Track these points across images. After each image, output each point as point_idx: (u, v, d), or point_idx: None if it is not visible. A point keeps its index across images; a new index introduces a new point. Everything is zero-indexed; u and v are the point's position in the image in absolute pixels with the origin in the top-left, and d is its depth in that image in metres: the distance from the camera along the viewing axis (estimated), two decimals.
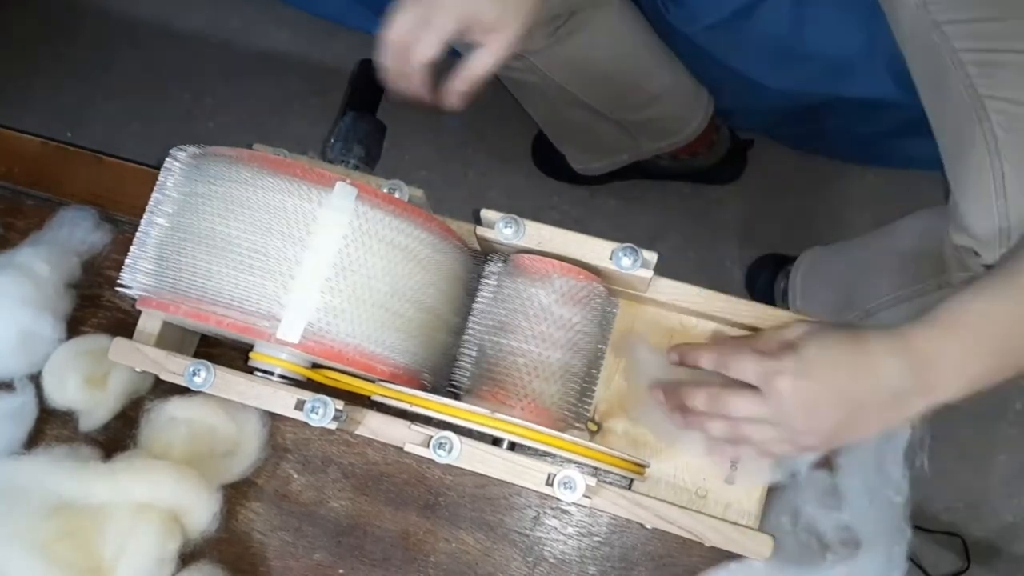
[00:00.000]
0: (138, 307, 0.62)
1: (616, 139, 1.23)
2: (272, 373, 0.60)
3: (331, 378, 0.61)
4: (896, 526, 0.63)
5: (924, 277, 0.92)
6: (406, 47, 0.68)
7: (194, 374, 0.60)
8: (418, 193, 0.66)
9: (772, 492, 0.65)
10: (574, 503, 0.58)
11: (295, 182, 0.56)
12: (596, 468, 0.60)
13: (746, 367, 0.58)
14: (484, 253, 0.67)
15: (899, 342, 0.56)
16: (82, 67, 1.56)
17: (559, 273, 0.62)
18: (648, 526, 0.60)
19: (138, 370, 0.62)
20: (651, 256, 0.61)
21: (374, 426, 0.62)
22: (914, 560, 0.65)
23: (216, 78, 1.53)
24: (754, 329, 0.65)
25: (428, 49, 0.68)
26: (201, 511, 0.65)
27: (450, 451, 0.58)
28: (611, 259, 0.61)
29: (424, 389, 0.61)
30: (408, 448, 0.59)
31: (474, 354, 0.64)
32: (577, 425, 0.65)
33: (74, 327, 0.73)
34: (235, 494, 0.70)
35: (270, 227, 0.55)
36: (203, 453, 0.68)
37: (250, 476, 0.71)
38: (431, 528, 0.70)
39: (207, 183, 0.57)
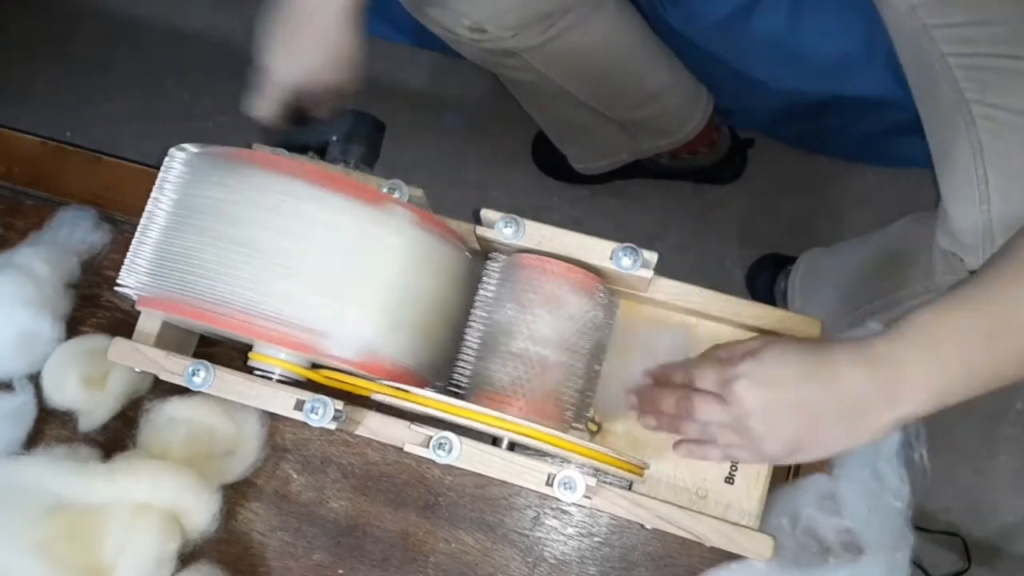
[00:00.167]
0: (138, 307, 0.62)
1: (616, 138, 1.23)
2: (272, 373, 0.60)
3: (331, 378, 0.61)
4: (898, 531, 0.63)
5: (915, 280, 0.92)
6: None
7: (193, 374, 0.60)
8: (418, 193, 0.66)
9: (772, 493, 0.65)
10: (574, 503, 0.58)
11: (300, 183, 0.56)
12: (596, 468, 0.60)
13: (708, 374, 0.59)
14: (484, 253, 0.67)
15: (863, 352, 0.54)
16: (82, 67, 1.56)
17: (559, 273, 0.62)
18: (648, 526, 0.60)
19: (137, 370, 0.62)
20: (651, 256, 0.61)
21: (374, 426, 0.61)
22: (914, 561, 0.64)
23: (216, 78, 1.53)
24: (754, 329, 0.65)
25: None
26: (200, 511, 0.65)
27: (450, 451, 0.58)
28: (611, 259, 0.61)
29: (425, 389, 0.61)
30: (408, 448, 0.59)
31: (474, 354, 0.64)
32: (577, 425, 0.65)
33: (73, 327, 0.73)
34: (235, 494, 0.70)
35: (280, 229, 0.56)
36: (202, 453, 0.68)
37: (250, 476, 0.71)
38: (431, 528, 0.70)
39: (220, 184, 0.57)
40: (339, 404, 0.59)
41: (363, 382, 0.60)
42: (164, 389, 0.69)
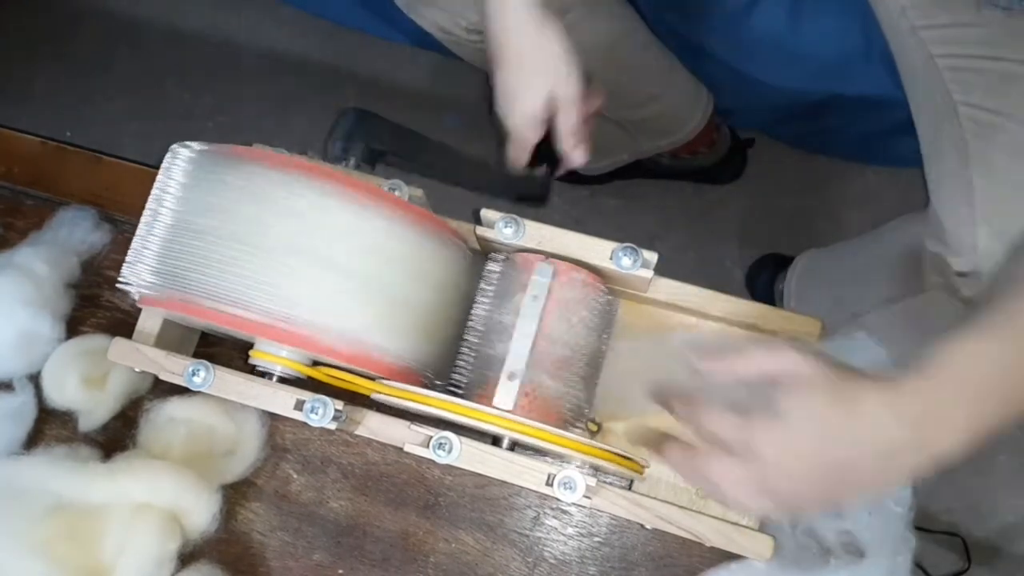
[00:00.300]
0: (139, 305, 0.62)
1: (616, 138, 1.23)
2: (273, 371, 0.60)
3: (332, 376, 0.61)
4: (899, 535, 0.62)
5: (908, 281, 0.92)
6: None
7: (193, 374, 0.60)
8: (418, 193, 0.66)
9: None
10: (574, 503, 0.58)
11: (303, 180, 0.57)
12: (596, 468, 0.60)
13: (722, 429, 0.52)
14: (484, 253, 0.67)
15: (891, 395, 0.50)
16: (82, 67, 1.56)
17: (559, 273, 0.62)
18: (648, 526, 0.60)
19: (137, 370, 0.62)
20: (651, 256, 0.61)
21: (374, 426, 0.62)
22: (915, 561, 0.64)
23: (216, 78, 1.53)
24: (754, 329, 0.65)
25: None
26: (200, 511, 0.65)
27: (450, 451, 0.58)
28: (611, 259, 0.61)
29: (425, 388, 0.61)
30: (408, 448, 0.59)
31: (474, 354, 0.64)
32: (577, 424, 0.65)
33: (73, 327, 0.73)
34: (234, 494, 0.70)
35: (284, 227, 0.56)
36: (202, 453, 0.68)
37: (249, 476, 0.71)
38: (431, 528, 0.70)
39: (222, 180, 0.57)
40: (339, 404, 0.59)
41: (364, 380, 0.60)
42: (164, 389, 0.69)
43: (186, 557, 0.66)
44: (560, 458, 0.62)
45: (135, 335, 0.65)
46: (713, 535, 0.59)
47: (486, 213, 0.63)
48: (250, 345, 0.61)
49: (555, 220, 0.62)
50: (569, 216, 1.41)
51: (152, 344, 0.64)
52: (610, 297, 0.66)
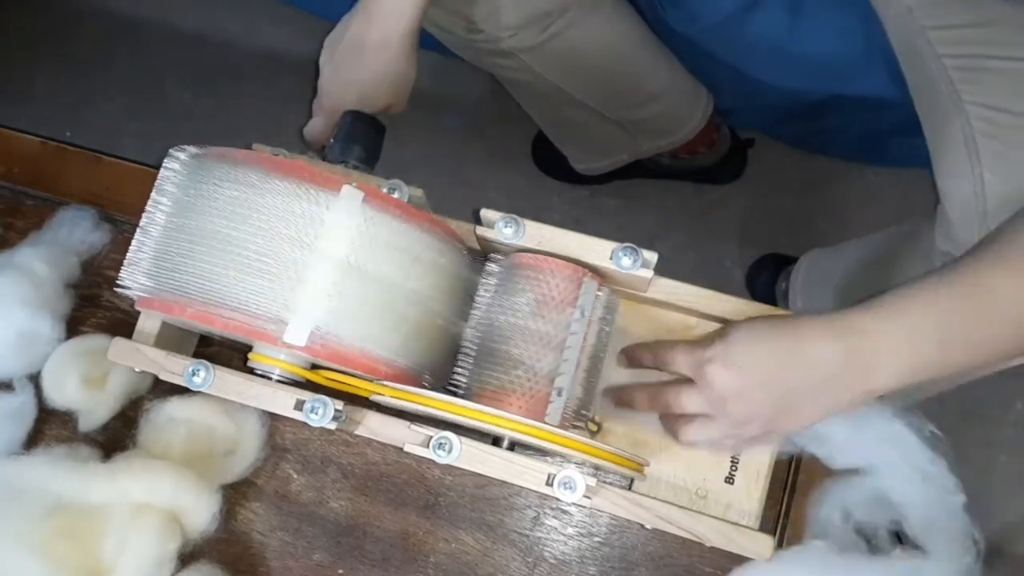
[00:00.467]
0: (138, 307, 0.62)
1: (616, 138, 1.23)
2: (271, 374, 0.60)
3: (330, 379, 0.61)
4: (962, 530, 0.59)
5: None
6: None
7: (193, 374, 0.60)
8: (418, 193, 0.66)
9: (820, 488, 0.64)
10: (574, 503, 0.58)
11: (302, 185, 0.56)
12: (596, 468, 0.60)
13: (677, 359, 0.59)
14: (484, 253, 0.67)
15: (835, 324, 0.55)
16: (82, 67, 1.56)
17: (559, 272, 0.62)
18: (648, 526, 0.60)
19: (137, 370, 0.62)
20: (651, 256, 0.61)
21: (374, 426, 0.61)
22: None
23: (216, 78, 1.53)
24: None
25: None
26: (200, 511, 0.65)
27: (450, 451, 0.58)
28: (611, 259, 0.61)
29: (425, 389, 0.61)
30: (408, 448, 0.59)
31: (474, 354, 0.64)
32: (577, 425, 0.65)
33: (73, 327, 0.73)
34: (234, 494, 0.70)
35: (277, 231, 0.55)
36: (202, 453, 0.68)
37: (249, 476, 0.71)
38: (431, 528, 0.70)
39: (212, 184, 0.57)
40: (339, 404, 0.59)
41: (362, 383, 0.60)
42: (164, 389, 0.69)
43: (186, 557, 0.66)
44: (561, 458, 0.62)
45: (135, 335, 0.65)
46: (713, 535, 0.59)
47: (486, 213, 0.63)
48: (249, 346, 0.61)
49: (555, 220, 0.62)
50: (569, 216, 1.42)
51: (152, 344, 0.64)
52: (610, 297, 0.66)
